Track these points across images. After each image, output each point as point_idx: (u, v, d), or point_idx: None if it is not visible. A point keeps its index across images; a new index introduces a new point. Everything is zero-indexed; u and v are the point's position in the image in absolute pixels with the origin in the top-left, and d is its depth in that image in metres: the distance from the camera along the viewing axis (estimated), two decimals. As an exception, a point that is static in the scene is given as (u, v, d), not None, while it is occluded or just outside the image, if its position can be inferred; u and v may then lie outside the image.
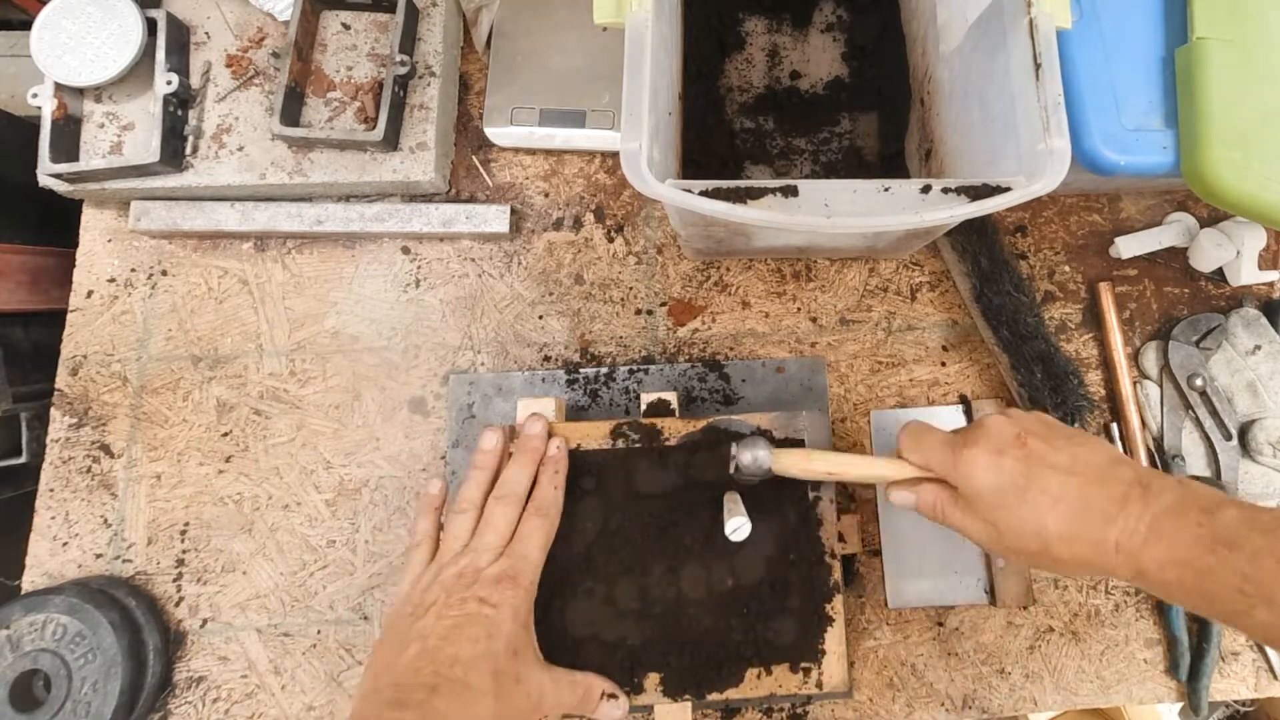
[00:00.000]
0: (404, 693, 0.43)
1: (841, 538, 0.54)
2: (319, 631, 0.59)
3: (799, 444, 0.54)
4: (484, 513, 0.50)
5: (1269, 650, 0.58)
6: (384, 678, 0.44)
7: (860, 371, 0.63)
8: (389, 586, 0.60)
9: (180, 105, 0.62)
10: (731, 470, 0.49)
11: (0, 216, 0.69)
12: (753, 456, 0.48)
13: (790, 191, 0.44)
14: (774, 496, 0.53)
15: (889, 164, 0.66)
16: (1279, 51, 0.52)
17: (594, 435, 0.54)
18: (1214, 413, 0.61)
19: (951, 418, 0.62)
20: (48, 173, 0.60)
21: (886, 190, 0.44)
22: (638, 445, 0.54)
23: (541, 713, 0.46)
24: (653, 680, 0.51)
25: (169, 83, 0.61)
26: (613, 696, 0.49)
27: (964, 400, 0.62)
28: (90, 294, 0.65)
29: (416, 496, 0.61)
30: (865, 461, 0.49)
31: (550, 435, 0.53)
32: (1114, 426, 0.62)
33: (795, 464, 0.48)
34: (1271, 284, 0.65)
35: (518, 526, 0.49)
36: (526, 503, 0.50)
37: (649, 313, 0.65)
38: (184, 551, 0.60)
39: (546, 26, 0.66)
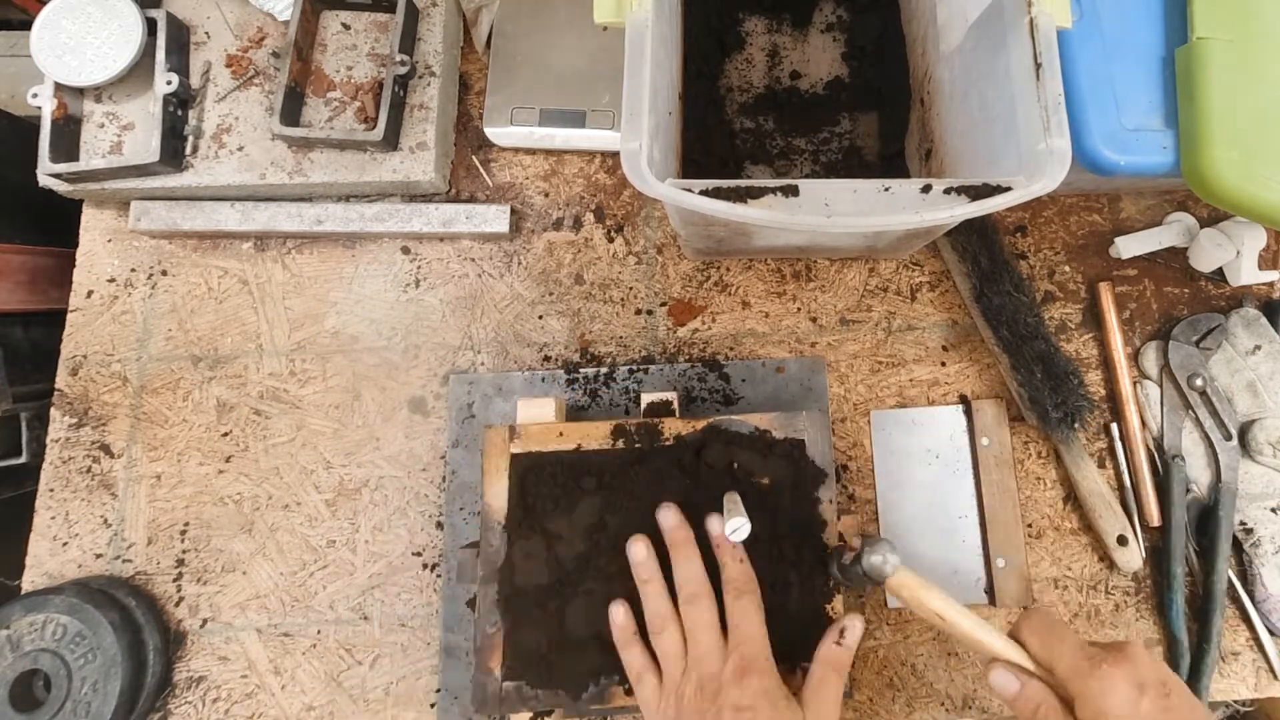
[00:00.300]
0: None
1: (842, 538, 0.54)
2: (319, 631, 0.59)
3: (799, 444, 0.54)
4: (683, 620, 0.49)
5: (1269, 650, 0.58)
6: None
7: (860, 371, 0.63)
8: (389, 586, 0.60)
9: (180, 105, 0.62)
10: (848, 561, 0.48)
11: (0, 216, 0.69)
12: (882, 559, 0.46)
13: (790, 191, 0.44)
14: (774, 497, 0.53)
15: (889, 164, 0.66)
16: (1279, 51, 0.52)
17: (594, 435, 0.54)
18: (1214, 413, 0.61)
19: (951, 418, 0.62)
20: (48, 173, 0.60)
21: (886, 190, 0.44)
22: (638, 445, 0.54)
23: None
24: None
25: (169, 83, 0.61)
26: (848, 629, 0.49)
27: (964, 400, 0.62)
28: (90, 294, 0.65)
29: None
30: (980, 625, 0.45)
31: (726, 515, 0.51)
32: (1114, 426, 0.62)
33: (911, 589, 0.46)
34: (1271, 284, 0.65)
35: (727, 615, 0.48)
36: (717, 591, 0.49)
37: (649, 313, 0.65)
38: (184, 551, 0.60)
39: (546, 26, 0.66)
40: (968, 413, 0.62)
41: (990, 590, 0.59)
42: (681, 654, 0.48)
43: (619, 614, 0.50)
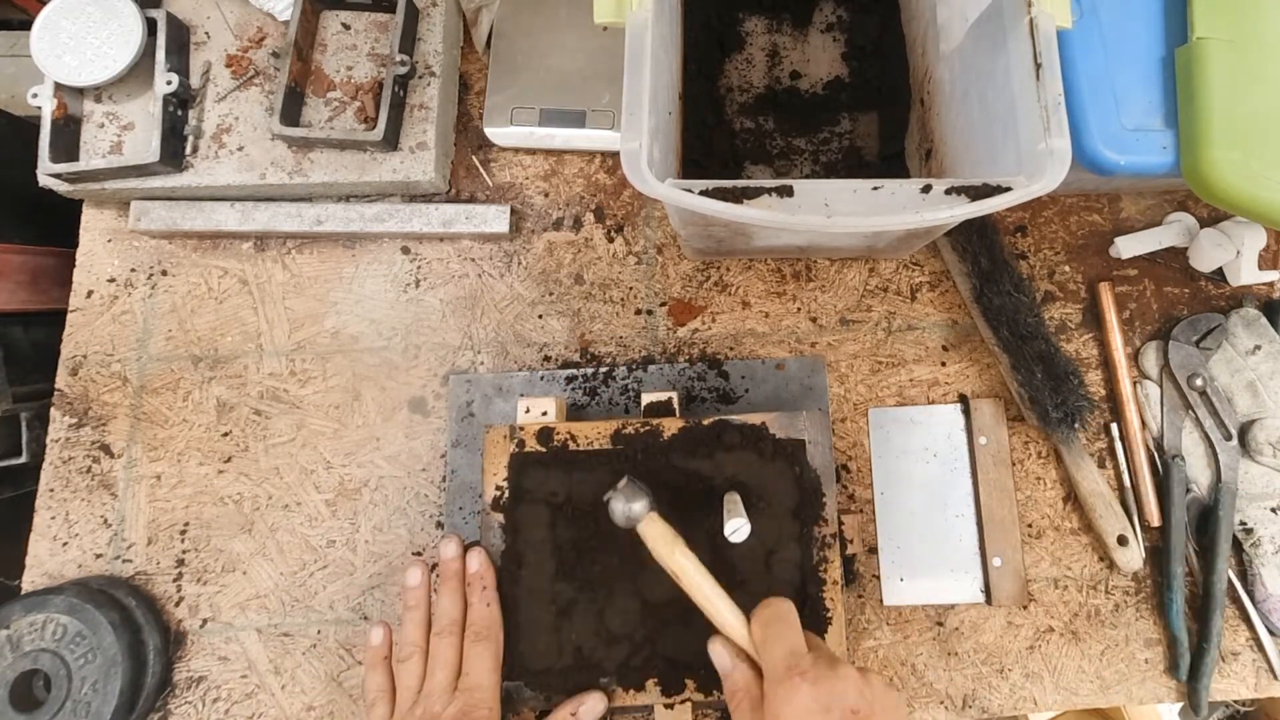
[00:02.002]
0: None
1: (842, 537, 0.54)
2: (319, 631, 0.59)
3: (799, 445, 0.54)
4: (431, 653, 0.50)
5: (1269, 650, 0.58)
6: None
7: (860, 371, 0.63)
8: (389, 586, 0.60)
9: (180, 105, 0.62)
10: (606, 499, 0.49)
11: (0, 216, 0.69)
12: (625, 510, 0.47)
13: (786, 191, 0.44)
14: (774, 498, 0.53)
15: (889, 164, 0.66)
16: (1279, 51, 0.52)
17: (594, 435, 0.54)
18: (1214, 413, 0.61)
19: (949, 417, 0.62)
20: (48, 173, 0.60)
21: (886, 190, 0.44)
22: (638, 446, 0.54)
23: None
24: (652, 681, 0.51)
25: (169, 83, 0.61)
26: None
27: (962, 399, 0.62)
28: (90, 294, 0.65)
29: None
30: (717, 594, 0.46)
31: (469, 547, 0.53)
32: (1114, 426, 0.62)
33: (659, 542, 0.47)
34: (1271, 284, 0.65)
35: (463, 658, 0.49)
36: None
37: (649, 313, 0.65)
38: (184, 551, 0.60)
39: (546, 26, 0.66)
40: (966, 412, 0.62)
41: (987, 589, 0.59)
42: (417, 686, 0.49)
43: (376, 635, 0.53)
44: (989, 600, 0.59)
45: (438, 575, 0.53)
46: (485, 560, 0.52)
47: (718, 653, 0.46)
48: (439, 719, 0.47)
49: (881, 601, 0.59)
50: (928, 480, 0.61)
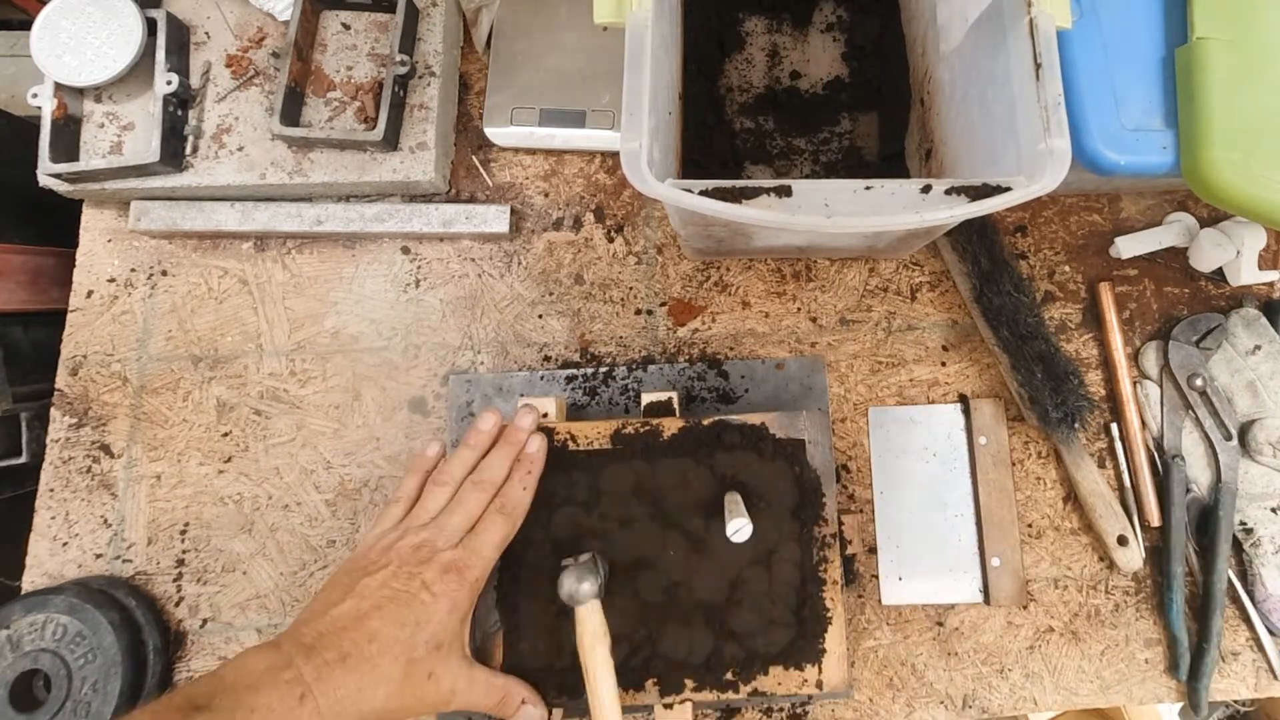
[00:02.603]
0: (319, 645, 0.44)
1: (842, 537, 0.54)
2: (319, 631, 0.59)
3: (799, 445, 0.54)
4: (459, 492, 0.51)
5: (1269, 650, 0.58)
6: (312, 622, 0.45)
7: (860, 371, 0.63)
8: (389, 586, 0.60)
9: (180, 105, 0.62)
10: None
11: (0, 216, 0.69)
12: (573, 588, 0.48)
13: (785, 191, 0.44)
14: (775, 498, 0.53)
15: (889, 164, 0.66)
16: (1279, 51, 0.52)
17: (593, 435, 0.54)
18: (1214, 413, 0.61)
19: (949, 416, 0.62)
20: (48, 173, 0.60)
21: (886, 190, 0.44)
22: (638, 446, 0.54)
23: (451, 706, 0.47)
24: (652, 681, 0.51)
25: (169, 83, 0.61)
26: (528, 704, 0.49)
27: (963, 399, 0.62)
28: (90, 294, 0.65)
29: (410, 454, 0.61)
30: (612, 708, 0.47)
31: (537, 430, 0.53)
32: (1114, 426, 0.62)
33: (587, 634, 0.48)
34: (1271, 284, 0.65)
35: (479, 521, 0.50)
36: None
37: (649, 313, 0.65)
38: (184, 551, 0.60)
39: (546, 26, 0.66)
40: (966, 411, 0.62)
41: (985, 589, 0.59)
42: (435, 512, 0.50)
43: (431, 449, 0.54)
44: (987, 600, 0.59)
45: (502, 435, 0.53)
46: (543, 446, 0.53)
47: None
48: (437, 553, 0.48)
49: (880, 601, 0.59)
50: (927, 480, 0.61)
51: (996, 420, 0.61)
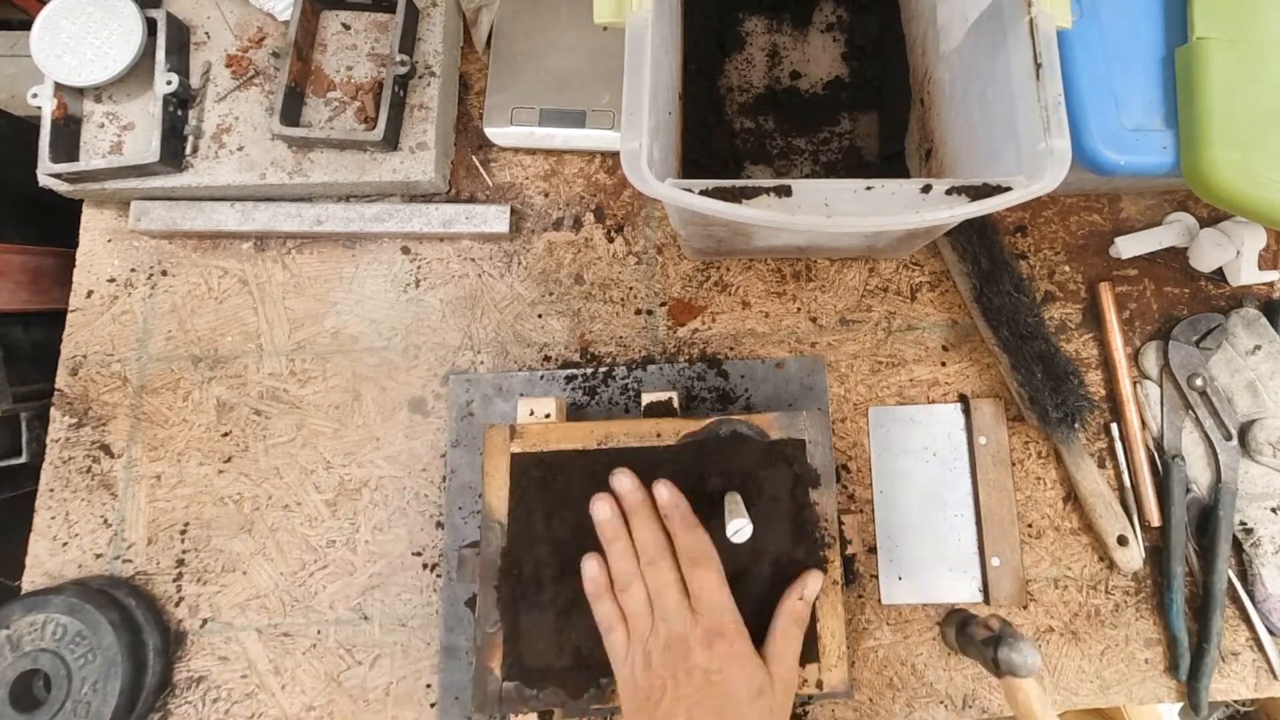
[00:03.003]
0: None
1: (842, 537, 0.54)
2: (319, 631, 0.59)
3: (799, 445, 0.54)
4: (647, 582, 0.49)
5: (1269, 650, 0.58)
6: None
7: (860, 371, 0.63)
8: (389, 586, 0.60)
9: (180, 105, 0.62)
10: (977, 637, 0.50)
11: (0, 216, 0.69)
12: (1023, 660, 0.46)
13: (785, 191, 0.44)
14: (775, 497, 0.53)
15: (889, 164, 0.66)
16: (1279, 51, 0.52)
17: (594, 435, 0.54)
18: (1214, 413, 0.61)
19: (949, 416, 0.62)
20: (48, 173, 0.60)
21: (886, 190, 0.44)
22: (638, 446, 0.54)
23: (796, 684, 0.48)
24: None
25: (169, 83, 0.61)
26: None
27: (963, 399, 0.62)
28: (90, 294, 0.65)
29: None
30: None
31: (640, 484, 0.51)
32: (1114, 426, 0.62)
33: (1036, 704, 0.46)
34: (1271, 284, 0.65)
35: (687, 583, 0.48)
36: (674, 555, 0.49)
37: (649, 313, 0.65)
38: (184, 551, 0.60)
39: (546, 26, 0.66)
40: (966, 411, 0.62)
41: (985, 589, 0.59)
42: (647, 611, 0.48)
43: (591, 567, 0.50)
44: (987, 600, 0.59)
45: (627, 510, 0.51)
46: (675, 489, 0.50)
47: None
48: (688, 640, 0.46)
49: (880, 601, 0.59)
50: (927, 480, 0.61)
51: (996, 420, 0.61)
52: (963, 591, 0.59)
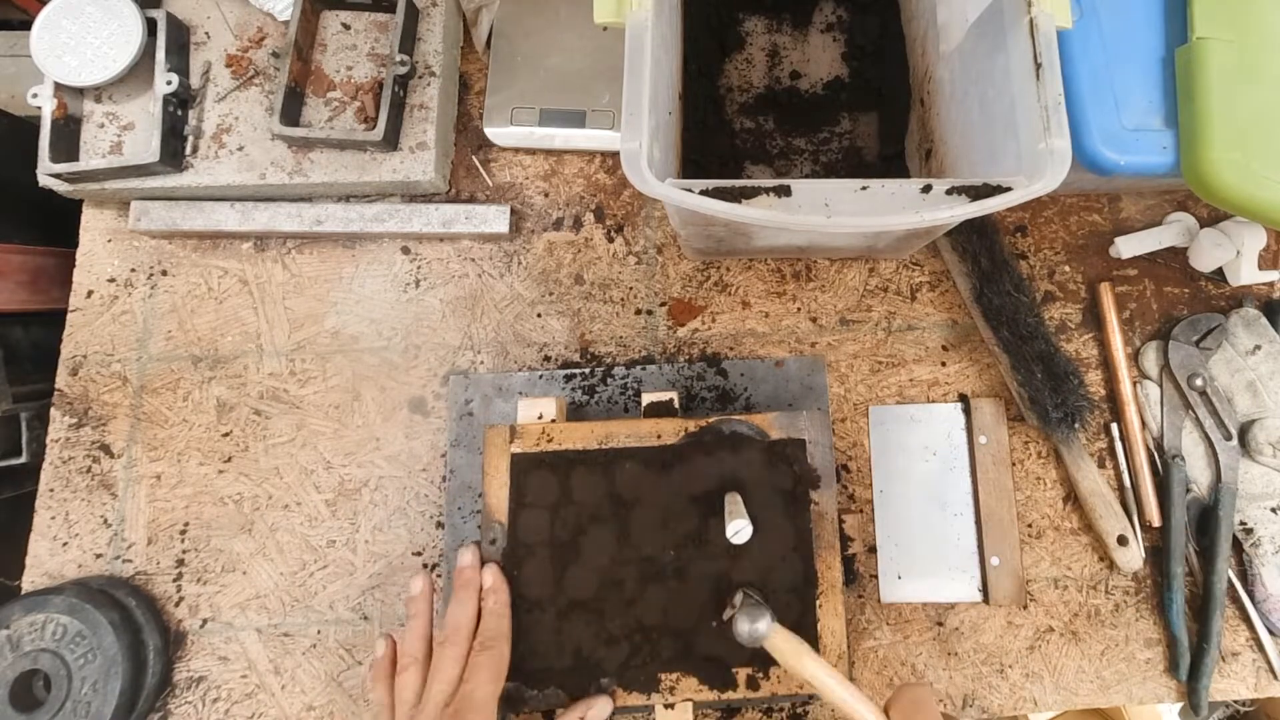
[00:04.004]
0: None
1: (843, 537, 0.54)
2: (319, 631, 0.59)
3: (799, 445, 0.54)
4: (433, 661, 0.49)
5: (1269, 650, 0.58)
6: None
7: (860, 371, 0.63)
8: (389, 586, 0.60)
9: (180, 105, 0.62)
10: (726, 618, 0.49)
11: (0, 216, 0.69)
12: (750, 630, 0.47)
13: (785, 191, 0.44)
14: (775, 498, 0.53)
15: (889, 164, 0.66)
16: (1279, 51, 0.52)
17: (594, 435, 0.54)
18: (1214, 413, 0.61)
19: (949, 415, 0.62)
20: (48, 173, 0.60)
21: (886, 190, 0.44)
22: (638, 446, 0.54)
23: None
24: (652, 680, 0.51)
25: (169, 83, 0.61)
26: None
27: (964, 399, 0.62)
28: (90, 294, 0.65)
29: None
30: (852, 694, 0.45)
31: (483, 564, 0.52)
32: (1114, 426, 0.62)
33: (788, 655, 0.46)
34: (1271, 284, 0.65)
35: (466, 669, 0.48)
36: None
37: (649, 313, 0.65)
38: (184, 551, 0.60)
39: (546, 26, 0.66)
40: (966, 410, 0.62)
41: (984, 589, 0.59)
42: (414, 700, 0.48)
43: (379, 648, 0.52)
44: (986, 599, 0.59)
45: (452, 583, 0.52)
46: (499, 575, 0.51)
47: None
48: None
49: (880, 600, 0.59)
50: (927, 479, 0.61)
51: (997, 420, 0.61)
52: (962, 591, 0.59)
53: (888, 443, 0.62)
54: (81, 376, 0.63)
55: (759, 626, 0.47)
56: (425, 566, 0.60)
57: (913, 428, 0.62)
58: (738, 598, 0.50)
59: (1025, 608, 0.59)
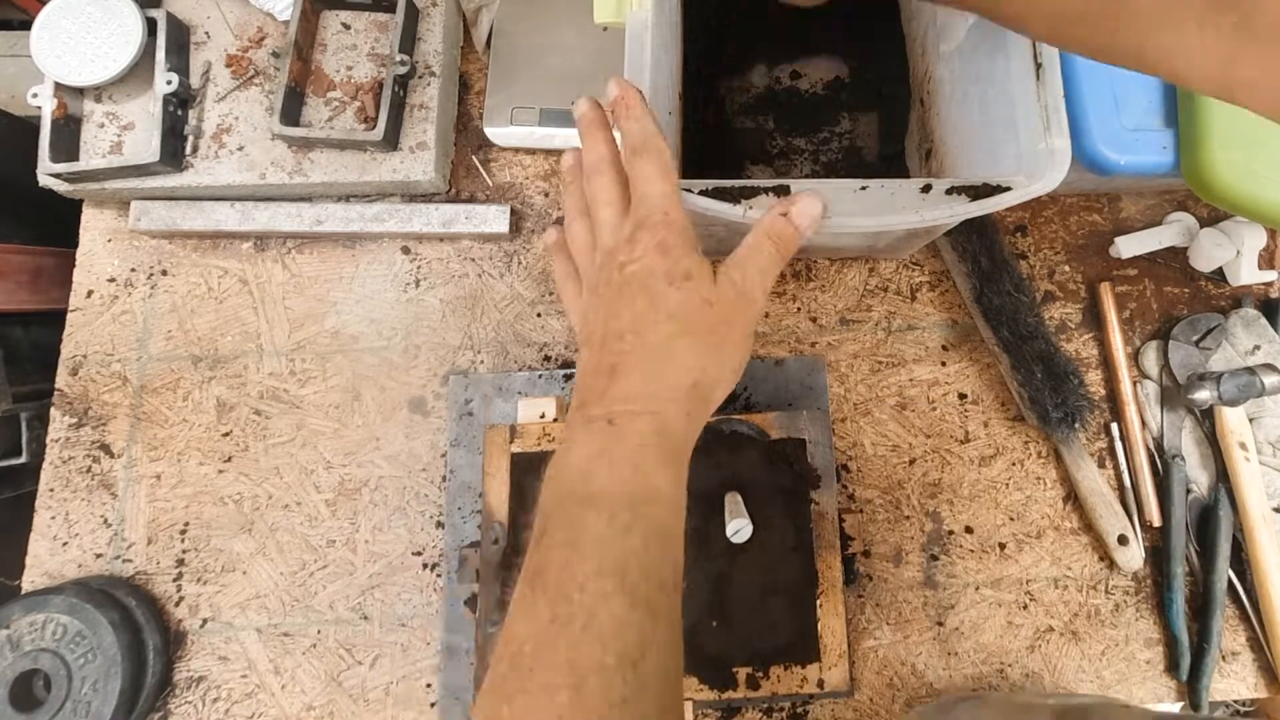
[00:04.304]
0: (587, 397, 0.38)
1: (843, 537, 0.54)
2: (319, 631, 0.59)
3: (799, 444, 0.54)
4: (588, 195, 0.43)
5: (1269, 650, 0.58)
6: (575, 394, 0.40)
7: (860, 371, 0.63)
8: (389, 586, 0.60)
9: (180, 105, 0.62)
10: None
11: (0, 216, 0.69)
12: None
13: (784, 191, 0.44)
14: (775, 498, 0.53)
15: (889, 164, 0.66)
16: (1279, 51, 0.52)
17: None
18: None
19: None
20: (48, 173, 0.60)
21: (886, 190, 0.44)
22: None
23: (754, 298, 0.40)
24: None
25: (169, 82, 0.61)
26: (799, 201, 0.42)
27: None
28: (90, 294, 0.65)
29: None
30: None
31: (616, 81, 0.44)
32: (1114, 426, 0.62)
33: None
34: (1271, 284, 0.65)
35: (629, 179, 0.42)
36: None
37: (649, 313, 0.64)
38: (184, 551, 0.60)
39: (546, 26, 0.66)
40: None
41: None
42: (590, 245, 0.43)
43: (551, 235, 0.47)
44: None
45: (580, 132, 0.45)
46: (627, 84, 0.43)
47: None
48: (614, 251, 0.40)
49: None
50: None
51: None
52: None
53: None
54: (81, 376, 0.63)
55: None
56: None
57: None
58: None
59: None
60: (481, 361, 0.64)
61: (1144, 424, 0.62)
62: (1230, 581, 0.59)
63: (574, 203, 0.44)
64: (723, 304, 0.39)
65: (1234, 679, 0.59)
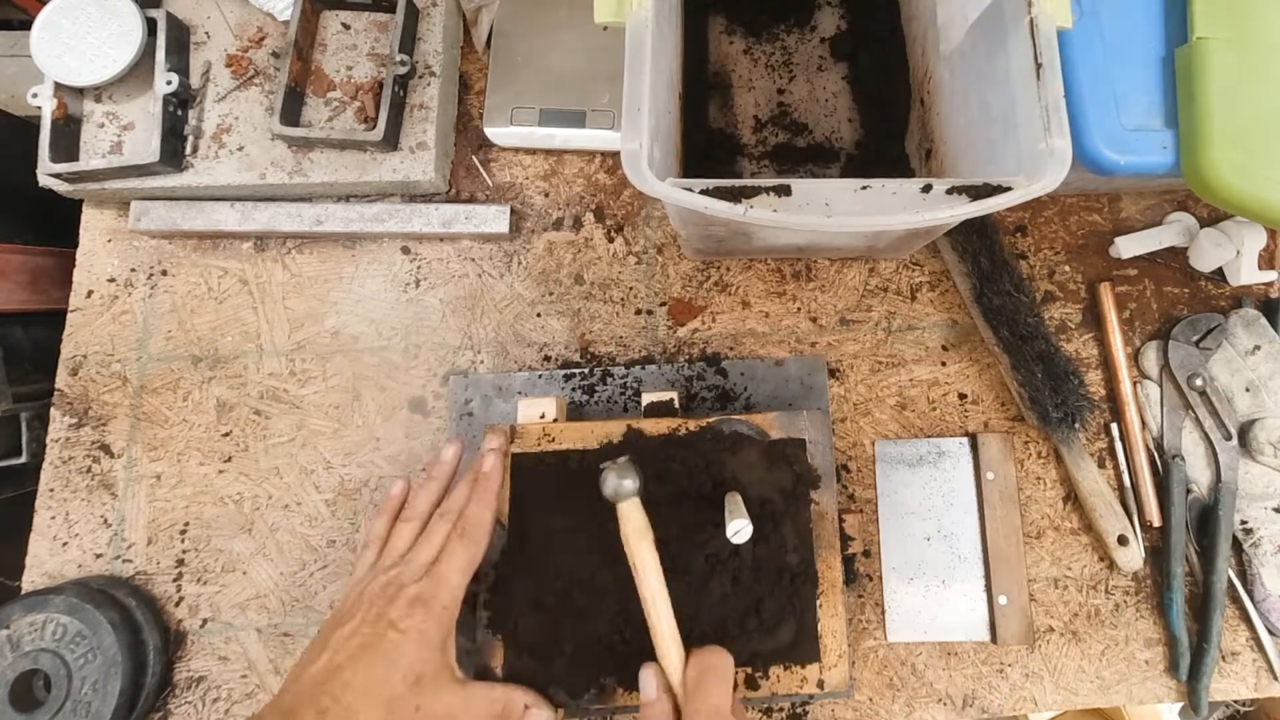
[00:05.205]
0: (297, 707, 0.43)
1: (843, 537, 0.54)
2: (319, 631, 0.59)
3: (799, 444, 0.54)
4: (426, 526, 0.50)
5: (1269, 650, 0.58)
6: (290, 686, 0.45)
7: (860, 371, 0.63)
8: (389, 586, 0.60)
9: (180, 105, 0.62)
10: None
11: (0, 216, 0.69)
12: (615, 485, 0.48)
13: (784, 191, 0.44)
14: (775, 497, 0.53)
15: (889, 164, 0.66)
16: (1279, 51, 0.52)
17: (594, 435, 0.54)
18: (1214, 412, 0.61)
19: (956, 451, 0.62)
20: (48, 173, 0.60)
21: (887, 190, 0.44)
22: (638, 445, 0.54)
23: None
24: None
25: (169, 83, 0.61)
26: (532, 709, 0.48)
27: (969, 435, 0.62)
28: (90, 294, 0.65)
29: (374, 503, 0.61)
30: (663, 601, 0.46)
31: (495, 450, 0.53)
32: (1114, 426, 0.62)
33: (630, 530, 0.47)
34: (1271, 284, 0.65)
35: (443, 549, 0.49)
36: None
37: (649, 313, 0.65)
38: (184, 551, 0.60)
39: (546, 26, 0.66)
40: (973, 447, 0.62)
41: (992, 628, 0.59)
42: (404, 550, 0.49)
43: (397, 489, 0.53)
44: (994, 639, 0.58)
45: (466, 467, 0.52)
46: (497, 464, 0.52)
47: (648, 679, 0.47)
48: (403, 589, 0.46)
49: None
50: (933, 516, 0.61)
51: (1004, 456, 0.61)
52: (970, 630, 0.59)
53: (894, 480, 0.61)
54: (81, 376, 0.63)
55: (625, 484, 0.48)
56: (459, 441, 0.59)
57: (919, 465, 0.61)
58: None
59: (1033, 650, 0.59)
60: (481, 361, 0.64)
61: (1144, 424, 0.62)
62: (1230, 581, 0.59)
63: (423, 503, 0.51)
64: (437, 710, 0.44)
65: (1234, 679, 0.59)
